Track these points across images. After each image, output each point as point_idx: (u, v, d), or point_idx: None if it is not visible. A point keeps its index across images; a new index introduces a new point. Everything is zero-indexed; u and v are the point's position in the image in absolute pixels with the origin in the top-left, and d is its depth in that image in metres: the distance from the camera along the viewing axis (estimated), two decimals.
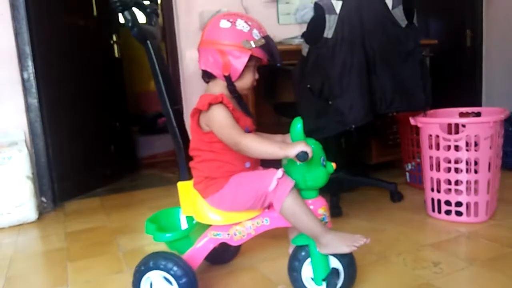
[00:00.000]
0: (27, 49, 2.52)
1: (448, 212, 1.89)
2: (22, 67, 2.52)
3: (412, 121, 1.97)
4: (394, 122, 2.65)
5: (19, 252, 1.95)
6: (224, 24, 1.21)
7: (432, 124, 1.87)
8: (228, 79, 1.23)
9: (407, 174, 2.51)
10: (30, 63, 2.53)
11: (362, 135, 2.29)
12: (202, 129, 1.26)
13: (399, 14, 1.89)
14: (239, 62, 1.20)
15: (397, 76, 1.92)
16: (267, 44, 1.21)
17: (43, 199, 2.57)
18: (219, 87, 1.27)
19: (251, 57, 1.21)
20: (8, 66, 2.48)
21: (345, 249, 1.18)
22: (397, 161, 2.74)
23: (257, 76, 1.29)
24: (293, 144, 1.15)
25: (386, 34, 1.90)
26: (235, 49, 1.19)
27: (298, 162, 1.14)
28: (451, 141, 1.83)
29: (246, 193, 1.22)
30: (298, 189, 1.22)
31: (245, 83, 1.27)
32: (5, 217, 2.30)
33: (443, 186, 1.87)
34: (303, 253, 1.27)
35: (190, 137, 1.33)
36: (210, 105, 1.20)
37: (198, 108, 1.23)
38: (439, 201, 1.90)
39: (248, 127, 1.29)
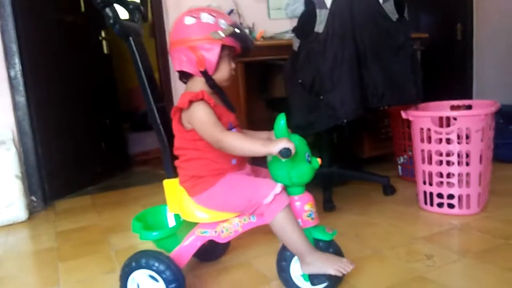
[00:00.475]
0: (14, 47, 2.48)
1: (440, 205, 1.89)
2: (9, 65, 2.48)
3: (403, 114, 1.97)
4: (386, 115, 2.65)
5: (9, 252, 1.93)
6: (189, 20, 1.19)
7: (423, 117, 1.87)
8: (205, 74, 1.22)
9: (399, 167, 2.51)
10: (17, 60, 2.49)
11: (354, 129, 2.29)
12: (185, 127, 1.24)
13: (389, 7, 1.89)
14: (212, 54, 1.19)
15: (388, 70, 1.91)
16: (236, 31, 1.20)
17: (33, 198, 2.54)
18: (198, 84, 1.25)
19: (223, 47, 1.20)
20: None
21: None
22: (389, 155, 2.74)
23: (233, 65, 1.28)
24: (276, 141, 1.14)
25: (376, 27, 1.89)
26: (205, 42, 1.18)
27: (281, 159, 1.12)
28: (442, 134, 1.82)
29: (239, 198, 1.21)
30: (284, 185, 1.21)
31: (223, 74, 1.25)
32: None
33: (435, 179, 1.87)
34: (288, 253, 1.26)
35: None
36: (190, 102, 1.19)
37: (179, 106, 1.21)
38: (431, 194, 1.90)
39: (232, 123, 1.27)
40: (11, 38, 2.47)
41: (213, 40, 1.18)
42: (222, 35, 1.18)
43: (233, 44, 1.22)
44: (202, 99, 1.19)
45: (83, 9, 3.08)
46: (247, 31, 2.85)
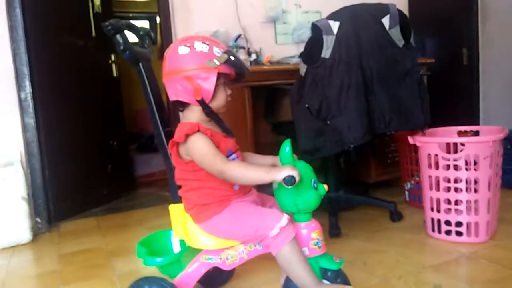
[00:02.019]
0: (25, 70, 2.52)
1: (448, 232, 1.86)
2: (20, 87, 2.52)
3: (410, 140, 1.96)
4: (393, 140, 2.64)
5: (11, 274, 1.92)
6: (183, 50, 1.20)
7: (431, 143, 1.86)
8: (202, 102, 1.22)
9: (406, 193, 2.48)
10: (27, 83, 2.53)
11: (360, 154, 2.28)
12: (183, 159, 1.24)
13: (396, 34, 1.90)
14: (208, 83, 1.19)
15: (395, 95, 1.92)
16: (231, 58, 1.20)
17: (38, 219, 2.53)
18: (195, 113, 1.25)
19: (219, 75, 1.20)
20: (5, 86, 2.48)
21: None
22: (396, 180, 2.72)
23: (229, 92, 1.28)
24: (280, 168, 1.13)
25: (383, 54, 1.90)
26: (201, 72, 1.18)
27: (286, 186, 1.11)
28: (450, 160, 1.81)
29: (245, 228, 1.20)
30: (291, 215, 1.20)
31: (219, 102, 1.25)
32: (0, 238, 2.25)
33: (443, 206, 1.85)
34: (293, 282, 1.22)
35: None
36: (187, 136, 1.19)
37: (175, 140, 1.21)
38: (439, 221, 1.87)
39: (231, 149, 1.27)
40: (23, 61, 2.52)
41: (209, 68, 1.18)
42: (217, 63, 1.19)
43: (228, 71, 1.22)
44: (198, 131, 1.19)
45: (94, 34, 3.13)
46: (254, 55, 2.89)
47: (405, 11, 3.37)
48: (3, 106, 2.47)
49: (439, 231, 1.88)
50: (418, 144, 1.92)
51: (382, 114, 1.91)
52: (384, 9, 1.91)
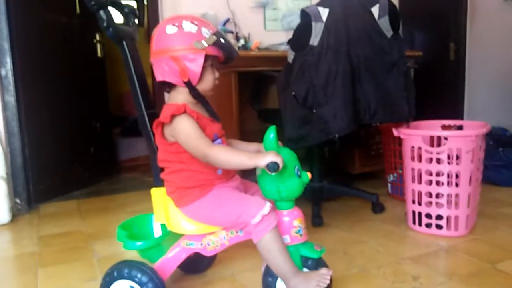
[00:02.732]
0: (6, 45, 2.45)
1: (428, 225, 1.88)
2: (0, 63, 2.44)
3: (395, 132, 1.97)
4: (378, 132, 2.66)
5: None
6: (171, 29, 1.17)
7: (414, 136, 1.87)
8: (188, 84, 1.20)
9: (389, 185, 2.50)
10: (8, 59, 2.46)
11: (345, 145, 2.29)
12: (167, 140, 1.22)
13: (385, 24, 1.89)
14: (195, 64, 1.17)
15: (381, 86, 1.91)
16: (219, 40, 1.18)
17: (17, 200, 2.48)
18: (182, 95, 1.23)
19: (207, 57, 1.18)
20: None
21: None
22: (380, 172, 2.74)
23: (217, 74, 1.26)
24: (263, 154, 1.11)
25: (371, 43, 1.89)
26: (188, 52, 1.16)
27: (269, 173, 1.10)
28: (433, 153, 1.82)
29: (226, 214, 1.18)
30: (273, 203, 1.19)
31: (207, 84, 1.23)
32: None
33: (424, 199, 1.87)
34: None
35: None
36: (172, 116, 1.17)
37: (161, 120, 1.19)
38: (420, 213, 1.89)
39: (217, 133, 1.25)
40: (3, 36, 2.44)
41: (196, 50, 1.16)
42: (205, 44, 1.16)
43: (216, 53, 1.20)
44: (184, 112, 1.17)
45: (78, 11, 3.05)
46: (242, 41, 2.85)
47: (395, 2, 3.37)
48: None
49: (420, 224, 1.90)
50: (402, 136, 1.93)
51: (368, 105, 1.90)
52: None
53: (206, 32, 1.18)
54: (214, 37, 1.17)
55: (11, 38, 2.46)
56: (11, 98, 2.49)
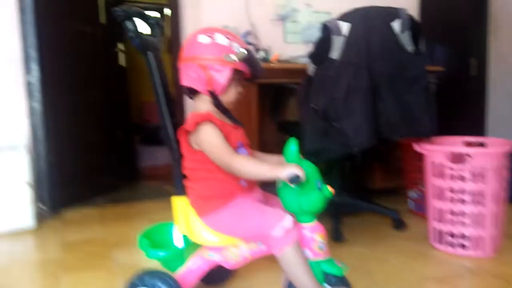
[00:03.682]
0: (33, 53, 2.51)
1: (452, 244, 1.85)
2: (27, 70, 2.51)
3: (416, 147, 1.95)
4: (398, 147, 2.63)
5: (14, 260, 1.93)
6: (204, 39, 1.21)
7: (436, 151, 1.85)
8: (212, 94, 1.23)
9: (410, 201, 2.46)
10: (35, 66, 2.53)
11: (365, 159, 2.28)
12: (193, 148, 1.25)
13: (406, 39, 1.89)
14: (222, 76, 1.20)
15: (403, 101, 1.90)
16: (249, 56, 1.21)
17: (42, 206, 2.54)
18: (205, 104, 1.26)
19: (234, 71, 1.21)
20: (13, 68, 2.47)
21: None
22: (401, 188, 2.70)
23: (240, 89, 1.29)
24: (284, 166, 1.13)
25: (392, 58, 1.89)
26: (217, 63, 1.19)
27: (290, 185, 1.11)
28: (456, 170, 1.80)
29: (247, 227, 1.20)
30: (294, 215, 1.19)
31: (229, 97, 1.27)
32: (2, 223, 2.27)
33: (447, 217, 1.84)
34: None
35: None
36: (197, 125, 1.19)
37: (186, 128, 1.22)
38: (442, 232, 1.86)
39: (241, 141, 1.28)
40: (31, 44, 2.51)
41: (225, 62, 1.20)
42: (235, 58, 1.20)
43: (243, 69, 1.23)
44: (209, 121, 1.20)
45: (102, 21, 3.13)
46: (262, 53, 2.88)
47: (416, 16, 3.36)
48: (9, 89, 2.47)
49: (443, 243, 1.87)
50: (423, 151, 1.91)
51: (388, 120, 1.90)
52: (395, 13, 1.90)
53: (237, 47, 1.21)
54: (244, 54, 1.21)
55: (38, 46, 2.53)
56: (37, 105, 2.55)
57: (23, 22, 2.49)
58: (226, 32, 1.24)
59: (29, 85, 2.53)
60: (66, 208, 2.70)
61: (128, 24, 1.28)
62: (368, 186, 2.77)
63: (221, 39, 1.21)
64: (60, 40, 2.72)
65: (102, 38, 3.12)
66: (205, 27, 1.27)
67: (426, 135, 1.98)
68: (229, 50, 1.20)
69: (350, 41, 1.86)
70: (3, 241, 2.17)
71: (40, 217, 2.48)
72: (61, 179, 2.67)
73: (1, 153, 2.32)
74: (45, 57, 2.58)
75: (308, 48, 2.47)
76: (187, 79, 1.24)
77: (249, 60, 1.22)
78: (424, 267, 1.75)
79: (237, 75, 1.25)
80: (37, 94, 2.55)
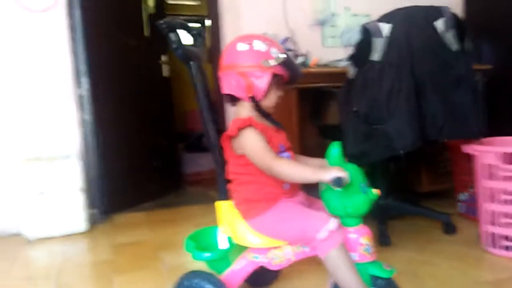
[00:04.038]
0: (83, 67, 2.66)
1: (507, 248, 1.76)
2: (78, 84, 2.66)
3: (465, 148, 1.88)
4: (446, 148, 2.55)
5: (68, 261, 2.03)
6: (242, 47, 1.24)
7: (487, 152, 1.78)
8: (252, 100, 1.25)
9: (460, 204, 2.37)
10: (85, 80, 2.67)
11: (411, 161, 2.22)
12: (236, 153, 1.27)
13: (450, 37, 1.84)
14: (261, 82, 1.22)
15: (448, 101, 1.85)
16: (287, 60, 1.23)
17: (94, 211, 2.66)
18: (246, 109, 1.28)
19: (273, 75, 1.23)
20: (65, 83, 2.62)
21: None
22: (449, 190, 2.59)
23: (280, 93, 1.30)
24: (328, 169, 1.12)
25: (436, 58, 1.84)
26: (256, 70, 1.21)
27: (334, 188, 1.11)
28: (508, 171, 1.72)
29: (291, 229, 1.20)
30: (339, 218, 1.19)
31: (270, 101, 1.28)
32: (57, 226, 2.40)
33: (501, 220, 1.76)
34: None
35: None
36: (239, 130, 1.22)
37: (228, 134, 1.25)
38: (496, 235, 1.78)
39: (283, 144, 1.29)
40: (81, 59, 2.65)
41: (264, 68, 1.21)
42: (273, 63, 1.22)
43: (282, 73, 1.25)
44: (250, 125, 1.22)
45: (146, 33, 3.25)
46: (301, 58, 2.89)
47: (461, 14, 3.25)
48: (63, 102, 2.62)
49: (497, 246, 1.79)
50: (473, 153, 1.84)
51: (434, 120, 1.84)
52: (438, 12, 1.85)
53: (275, 52, 1.23)
54: (282, 58, 1.22)
55: (88, 60, 2.67)
56: (87, 116, 2.70)
57: (73, 39, 2.64)
58: (264, 38, 1.26)
59: (80, 98, 2.67)
60: (116, 212, 2.82)
61: (172, 35, 1.33)
62: (415, 189, 2.69)
63: (259, 46, 1.23)
64: (107, 55, 2.86)
65: (146, 50, 3.24)
66: (244, 35, 1.30)
67: (474, 136, 1.90)
68: (267, 56, 1.22)
69: (392, 42, 1.83)
70: (58, 243, 2.30)
71: (92, 221, 2.60)
72: (111, 186, 2.79)
73: (56, 161, 2.46)
74: (94, 71, 2.72)
75: (347, 52, 2.46)
76: (227, 87, 1.27)
77: (287, 64, 1.24)
78: (477, 271, 1.68)
79: (276, 79, 1.27)
80: (88, 107, 2.69)
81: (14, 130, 2.52)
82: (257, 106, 1.27)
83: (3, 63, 2.50)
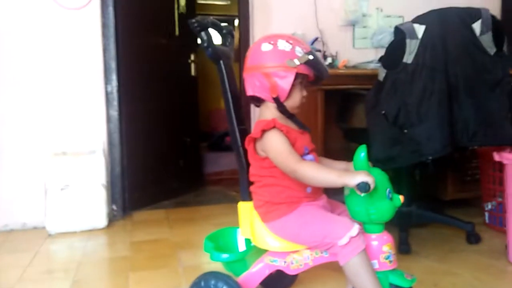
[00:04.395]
0: (113, 64, 2.68)
1: None
2: (107, 80, 2.69)
3: (496, 156, 1.80)
4: (474, 156, 2.45)
5: (87, 256, 2.04)
6: (266, 47, 1.21)
7: None
8: (276, 100, 1.22)
9: (486, 214, 2.28)
10: (114, 77, 2.69)
11: (438, 168, 2.14)
12: (259, 155, 1.24)
13: (487, 41, 1.78)
14: (285, 82, 1.18)
15: (482, 106, 1.78)
16: (312, 59, 1.19)
17: (114, 207, 2.68)
18: (270, 110, 1.25)
19: (297, 75, 1.19)
20: (95, 79, 2.65)
21: None
22: (475, 199, 2.52)
23: (305, 93, 1.26)
24: (354, 173, 1.09)
25: (472, 61, 1.79)
26: (280, 70, 1.18)
27: (359, 193, 1.07)
28: None
29: (312, 233, 1.17)
30: (361, 224, 1.15)
31: (294, 102, 1.24)
32: (78, 221, 2.42)
33: None
34: None
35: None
36: (263, 131, 1.19)
37: (252, 136, 1.22)
38: None
39: (307, 146, 1.25)
40: (111, 56, 2.68)
41: (288, 68, 1.18)
42: (297, 63, 1.18)
43: (307, 72, 1.21)
44: (274, 127, 1.19)
45: (177, 33, 3.27)
46: (329, 59, 2.84)
47: (498, 15, 3.13)
48: (91, 98, 2.65)
49: None
50: (505, 161, 1.76)
51: (466, 126, 1.78)
52: (475, 14, 1.79)
53: (299, 51, 1.20)
54: (307, 57, 1.19)
55: (118, 58, 2.69)
56: (114, 112, 2.72)
57: (105, 36, 2.66)
58: (288, 37, 1.23)
59: (108, 94, 2.70)
60: (136, 210, 2.83)
61: (203, 35, 1.31)
62: (440, 196, 2.61)
63: (283, 45, 1.20)
64: (137, 53, 2.88)
65: (176, 49, 3.25)
66: (269, 35, 1.27)
67: (508, 143, 1.83)
68: (292, 55, 1.19)
69: (426, 44, 1.78)
70: (77, 238, 2.32)
71: (112, 218, 2.62)
72: (132, 183, 2.81)
73: (81, 157, 2.49)
74: (123, 68, 2.73)
75: (378, 54, 2.40)
76: (251, 88, 1.24)
77: (312, 63, 1.20)
78: (500, 283, 1.62)
79: (301, 79, 1.23)
80: (115, 103, 2.71)
81: (43, 124, 2.56)
82: (281, 107, 1.23)
83: (37, 58, 2.54)
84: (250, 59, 1.25)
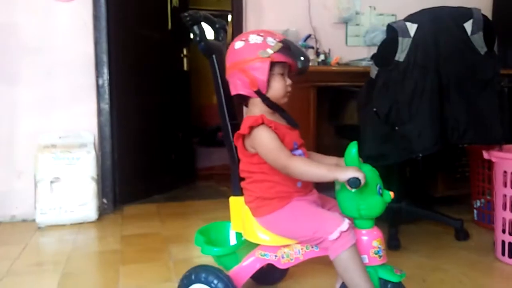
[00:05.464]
0: (104, 57, 2.66)
1: None
2: (98, 74, 2.67)
3: (485, 154, 1.83)
4: (464, 153, 2.48)
5: (77, 250, 2.03)
6: (238, 44, 1.22)
7: (508, 159, 1.72)
8: (259, 93, 1.22)
9: (475, 211, 2.32)
10: (105, 70, 2.67)
11: (428, 165, 2.17)
12: (249, 151, 1.24)
13: (478, 40, 1.79)
14: (261, 72, 1.19)
15: (473, 105, 1.80)
16: (285, 46, 1.19)
17: (104, 200, 2.67)
18: (258, 107, 1.25)
19: (274, 64, 1.19)
20: (86, 72, 2.63)
21: None
22: (464, 197, 2.55)
23: (289, 81, 1.26)
24: (345, 169, 1.10)
25: (463, 60, 1.80)
26: (255, 62, 1.19)
27: (349, 189, 1.08)
28: None
29: (303, 229, 1.18)
30: (352, 220, 1.16)
31: (277, 91, 1.23)
32: (68, 214, 2.41)
33: None
34: None
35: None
36: (251, 128, 1.19)
37: (240, 132, 1.22)
38: (510, 244, 1.73)
39: (296, 142, 1.25)
40: (103, 49, 2.66)
41: (262, 58, 1.18)
42: (271, 52, 1.18)
43: (283, 59, 1.20)
44: (262, 123, 1.19)
45: (169, 27, 3.25)
46: (322, 56, 2.85)
47: (489, 16, 3.16)
48: (82, 91, 2.63)
49: (510, 256, 1.74)
50: (493, 159, 1.79)
51: (456, 124, 1.80)
52: (467, 13, 1.81)
53: (271, 41, 1.20)
54: (280, 44, 1.19)
55: (109, 51, 2.67)
56: (105, 106, 2.70)
57: (96, 29, 2.64)
58: (259, 31, 1.24)
59: (99, 87, 2.68)
60: (127, 204, 2.82)
61: (195, 29, 1.31)
62: (430, 193, 2.64)
63: (254, 39, 1.21)
64: (129, 46, 2.87)
65: (169, 43, 3.23)
66: (241, 34, 1.28)
67: (497, 142, 1.85)
68: (264, 46, 1.19)
69: (418, 42, 1.79)
70: (67, 231, 2.31)
71: (103, 211, 2.61)
72: (123, 176, 2.80)
73: (72, 149, 2.47)
74: (115, 61, 2.72)
75: (370, 51, 2.42)
76: (234, 87, 1.25)
77: (285, 49, 1.19)
78: (488, 280, 1.64)
79: (281, 69, 1.23)
80: (106, 96, 2.69)
81: (33, 117, 2.54)
82: (266, 100, 1.23)
83: (28, 50, 2.51)
84: (228, 60, 1.26)
